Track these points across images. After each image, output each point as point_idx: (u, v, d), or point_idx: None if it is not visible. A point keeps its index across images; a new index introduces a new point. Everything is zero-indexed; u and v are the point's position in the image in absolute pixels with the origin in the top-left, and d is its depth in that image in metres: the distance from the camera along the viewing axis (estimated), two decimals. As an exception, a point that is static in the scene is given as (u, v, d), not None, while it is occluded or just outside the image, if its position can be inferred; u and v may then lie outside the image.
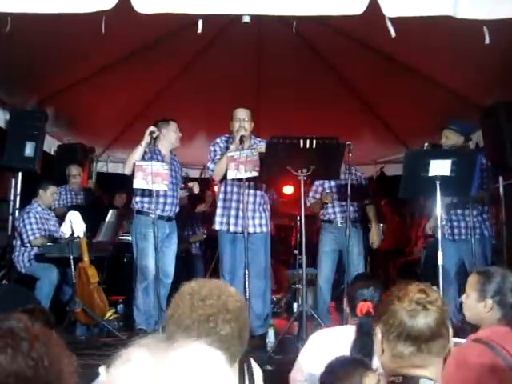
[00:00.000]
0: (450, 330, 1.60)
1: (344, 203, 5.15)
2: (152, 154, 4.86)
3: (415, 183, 4.13)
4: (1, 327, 1.03)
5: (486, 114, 5.29)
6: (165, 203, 4.83)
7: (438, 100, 5.79)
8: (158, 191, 4.64)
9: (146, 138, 4.72)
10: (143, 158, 4.74)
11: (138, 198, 4.88)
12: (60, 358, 1.08)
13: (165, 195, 4.81)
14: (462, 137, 4.88)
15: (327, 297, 5.22)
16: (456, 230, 4.92)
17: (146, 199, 4.84)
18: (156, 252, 4.66)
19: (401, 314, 1.56)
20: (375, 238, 5.54)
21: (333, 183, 5.31)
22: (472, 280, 2.50)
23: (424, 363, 1.54)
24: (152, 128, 4.76)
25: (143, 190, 4.74)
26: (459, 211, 4.91)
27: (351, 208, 5.06)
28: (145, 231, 4.80)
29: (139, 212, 4.87)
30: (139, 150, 4.73)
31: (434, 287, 2.17)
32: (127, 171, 4.76)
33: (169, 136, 4.97)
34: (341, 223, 5.20)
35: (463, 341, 2.37)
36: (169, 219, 4.92)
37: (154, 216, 4.67)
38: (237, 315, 1.45)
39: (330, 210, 5.25)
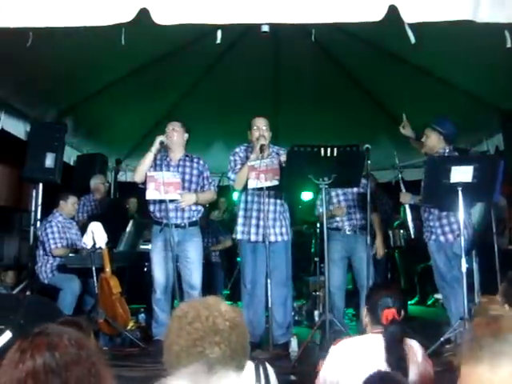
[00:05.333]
0: None
1: (351, 211, 5.14)
2: (161, 160, 4.73)
3: (437, 190, 4.06)
4: None
5: (508, 117, 5.23)
6: (166, 210, 4.59)
7: (458, 104, 5.73)
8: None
9: (156, 146, 4.64)
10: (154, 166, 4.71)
11: (150, 207, 4.82)
12: None
13: (163, 201, 4.62)
14: (443, 142, 4.55)
15: (340, 304, 5.08)
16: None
17: (152, 207, 4.78)
18: (164, 262, 4.64)
19: None
20: (380, 248, 5.40)
21: (340, 191, 5.20)
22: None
23: None
24: (162, 138, 4.67)
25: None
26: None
27: (358, 215, 5.13)
28: (153, 240, 4.80)
29: (153, 221, 4.84)
30: (149, 157, 4.67)
31: None
32: (138, 179, 4.74)
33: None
34: (349, 231, 5.14)
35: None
36: (177, 226, 4.68)
37: (161, 225, 4.66)
38: (228, 335, 1.42)
39: (338, 218, 5.17)
